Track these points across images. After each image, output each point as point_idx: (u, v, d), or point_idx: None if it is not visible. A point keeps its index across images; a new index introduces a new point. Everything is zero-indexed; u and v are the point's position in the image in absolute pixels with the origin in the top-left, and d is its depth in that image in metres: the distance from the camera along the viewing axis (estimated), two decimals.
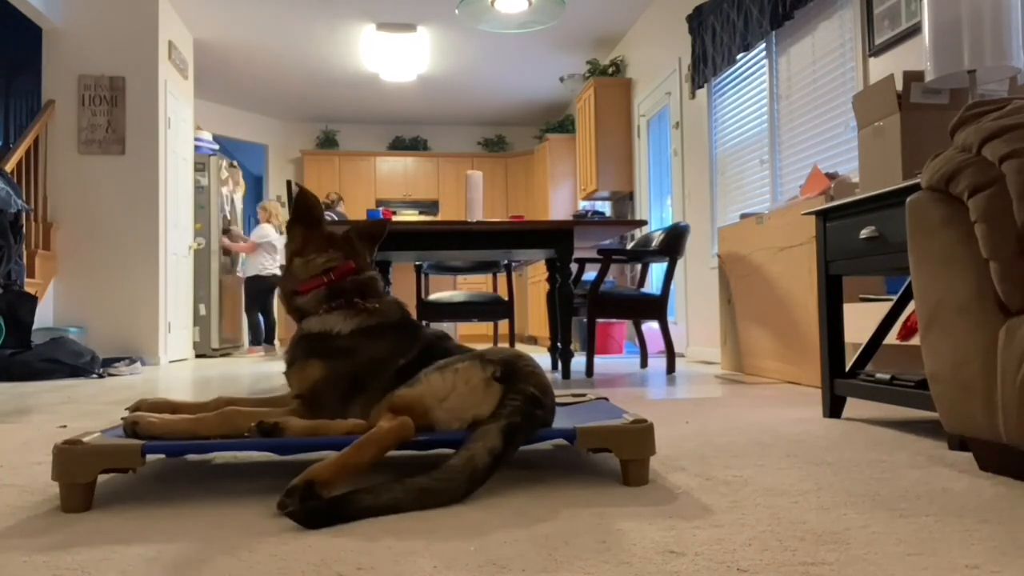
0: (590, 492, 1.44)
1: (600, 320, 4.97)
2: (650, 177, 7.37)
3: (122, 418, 1.57)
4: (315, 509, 1.23)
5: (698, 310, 5.93)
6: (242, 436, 1.51)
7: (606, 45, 8.03)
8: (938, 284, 1.63)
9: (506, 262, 5.39)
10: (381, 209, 4.48)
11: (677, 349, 5.76)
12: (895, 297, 2.46)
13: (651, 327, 6.66)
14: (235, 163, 8.41)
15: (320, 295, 1.72)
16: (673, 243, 4.43)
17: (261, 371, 5.32)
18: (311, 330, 1.69)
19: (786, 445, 1.98)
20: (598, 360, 5.79)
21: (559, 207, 9.11)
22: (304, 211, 1.80)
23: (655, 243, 4.59)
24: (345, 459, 1.33)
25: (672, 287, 4.91)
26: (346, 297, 1.71)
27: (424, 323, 5.00)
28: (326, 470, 1.30)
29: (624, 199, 7.89)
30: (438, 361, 1.57)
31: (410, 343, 1.70)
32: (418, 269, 5.39)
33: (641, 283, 5.03)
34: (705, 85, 5.91)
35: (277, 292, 1.77)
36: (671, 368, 4.45)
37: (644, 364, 4.98)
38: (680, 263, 5.94)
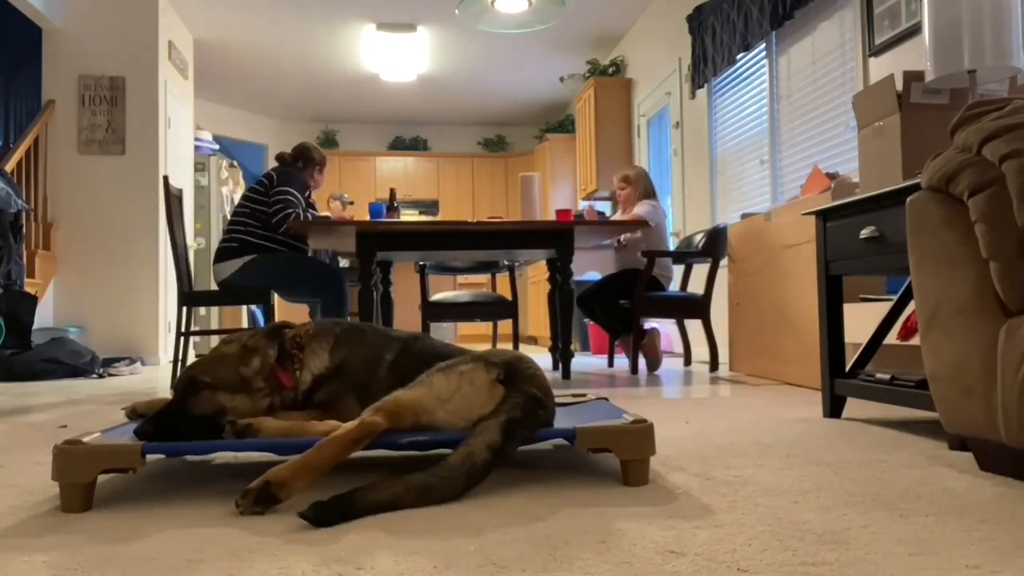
0: (590, 492, 1.44)
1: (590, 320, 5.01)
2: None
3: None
4: (323, 507, 1.23)
5: None
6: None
7: (606, 45, 8.03)
8: (938, 284, 1.63)
9: (507, 262, 5.39)
10: (384, 206, 4.47)
11: (680, 349, 5.77)
12: (895, 297, 2.46)
13: (650, 324, 6.65)
14: (235, 163, 8.41)
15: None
16: (714, 244, 4.54)
17: None
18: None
19: (786, 445, 1.98)
20: (601, 360, 5.80)
21: (559, 207, 9.10)
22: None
23: (697, 244, 4.69)
24: (304, 460, 1.33)
25: (673, 288, 4.92)
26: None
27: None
28: (284, 471, 1.30)
29: None
30: (439, 363, 1.58)
31: (386, 340, 1.74)
32: (422, 269, 5.39)
33: (684, 284, 5.08)
34: (705, 85, 5.91)
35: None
36: (714, 367, 4.52)
37: (688, 362, 5.06)
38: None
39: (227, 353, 1.62)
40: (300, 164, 4.38)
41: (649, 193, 4.93)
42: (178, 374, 4.09)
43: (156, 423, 1.53)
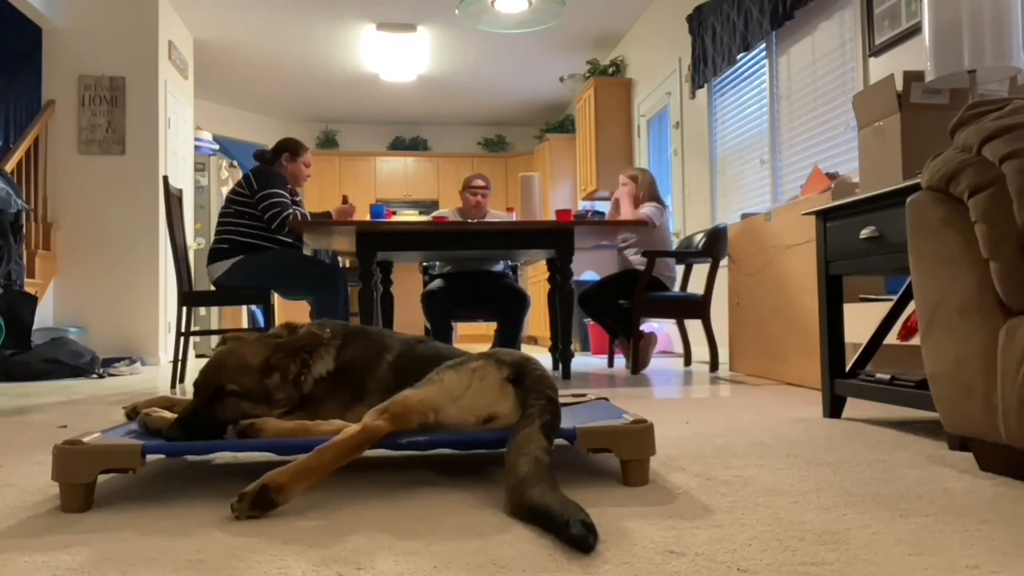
0: (590, 492, 1.44)
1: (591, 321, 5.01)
2: None
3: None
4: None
5: None
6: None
7: (606, 45, 8.03)
8: (938, 284, 1.63)
9: (511, 263, 5.38)
10: (385, 208, 4.45)
11: (680, 348, 5.78)
12: (895, 297, 2.46)
13: (651, 326, 6.65)
14: (235, 163, 8.41)
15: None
16: (714, 244, 4.53)
17: None
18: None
19: (786, 445, 1.98)
20: (603, 360, 5.79)
21: (559, 207, 9.10)
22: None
23: (697, 244, 4.68)
24: (304, 464, 1.32)
25: (675, 288, 4.92)
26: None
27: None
28: (283, 474, 1.30)
29: None
30: (447, 362, 1.59)
31: (388, 340, 1.76)
32: (425, 270, 5.38)
33: (684, 284, 5.08)
34: (705, 85, 5.91)
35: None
36: (714, 367, 4.53)
37: (688, 362, 5.06)
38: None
39: (251, 364, 1.62)
40: (282, 160, 4.34)
41: (654, 197, 4.90)
42: (190, 374, 4.10)
43: (184, 426, 1.54)
